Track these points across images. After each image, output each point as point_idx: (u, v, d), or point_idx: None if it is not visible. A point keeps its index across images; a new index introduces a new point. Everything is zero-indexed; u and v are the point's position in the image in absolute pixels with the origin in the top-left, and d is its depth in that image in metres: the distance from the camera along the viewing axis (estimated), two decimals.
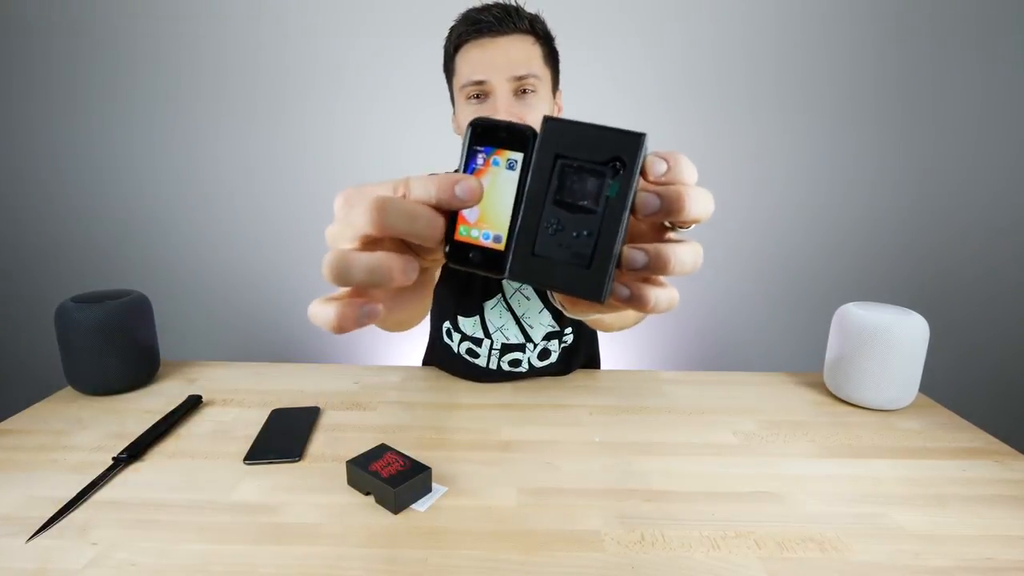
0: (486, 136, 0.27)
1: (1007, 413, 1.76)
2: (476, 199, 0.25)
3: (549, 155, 0.25)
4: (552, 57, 0.82)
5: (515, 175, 0.26)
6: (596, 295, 0.25)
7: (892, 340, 0.79)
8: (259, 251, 1.73)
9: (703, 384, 0.92)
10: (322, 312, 0.26)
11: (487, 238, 0.27)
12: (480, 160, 0.27)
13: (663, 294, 0.27)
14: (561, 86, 0.87)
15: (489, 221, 0.27)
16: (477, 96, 0.77)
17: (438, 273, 0.36)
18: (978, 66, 1.56)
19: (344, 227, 0.26)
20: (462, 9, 0.80)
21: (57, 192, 1.69)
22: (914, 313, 0.81)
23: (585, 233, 0.25)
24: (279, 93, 1.61)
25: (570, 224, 0.25)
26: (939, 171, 1.64)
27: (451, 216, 0.27)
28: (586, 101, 1.57)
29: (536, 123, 0.78)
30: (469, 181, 0.25)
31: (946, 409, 0.84)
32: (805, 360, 1.70)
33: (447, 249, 0.27)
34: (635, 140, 0.24)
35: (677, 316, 1.76)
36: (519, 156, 0.26)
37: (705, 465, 0.67)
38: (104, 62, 1.59)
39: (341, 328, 0.26)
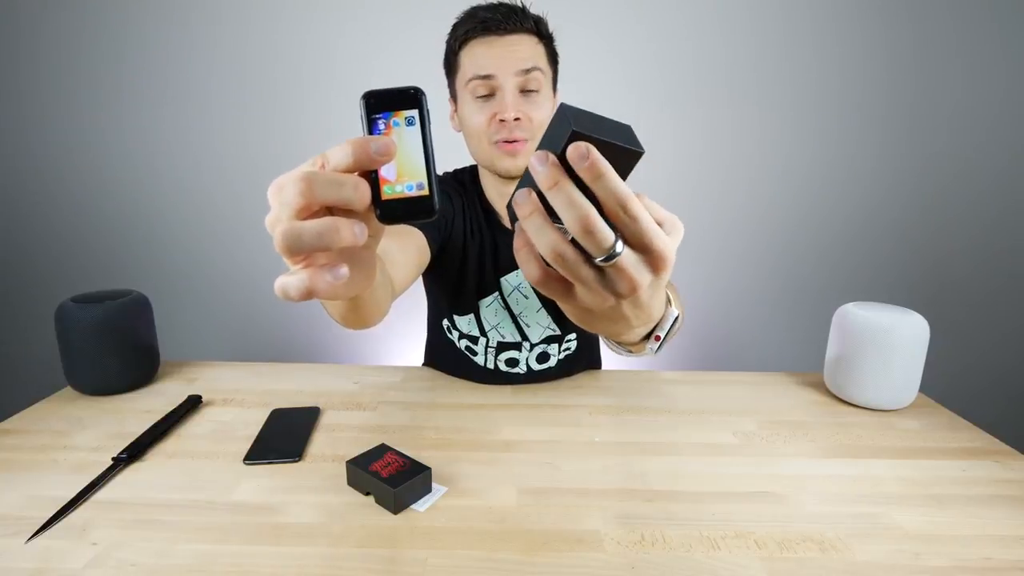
0: (380, 104, 0.30)
1: (1008, 413, 1.75)
2: (391, 153, 0.28)
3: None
4: (553, 58, 0.83)
5: (416, 128, 0.30)
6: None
7: (892, 340, 0.79)
8: (259, 251, 1.73)
9: (703, 384, 0.92)
10: (291, 280, 0.28)
11: (410, 189, 0.30)
12: (382, 125, 0.30)
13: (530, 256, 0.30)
14: (562, 80, 0.87)
15: (408, 173, 0.30)
16: (484, 94, 0.77)
17: (416, 262, 0.36)
18: (973, 63, 1.56)
19: (279, 209, 0.28)
20: (457, 4, 0.80)
21: (57, 191, 1.69)
22: (914, 313, 0.81)
23: None
24: (279, 92, 1.61)
25: None
26: (937, 168, 1.64)
27: (373, 182, 0.29)
28: (587, 98, 1.57)
29: (542, 121, 0.80)
30: (380, 139, 0.28)
31: (946, 409, 0.84)
32: (805, 360, 1.70)
33: (378, 212, 0.30)
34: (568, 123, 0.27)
35: None
36: (414, 111, 0.30)
37: (705, 465, 0.67)
38: (104, 61, 1.59)
39: (312, 291, 0.27)
